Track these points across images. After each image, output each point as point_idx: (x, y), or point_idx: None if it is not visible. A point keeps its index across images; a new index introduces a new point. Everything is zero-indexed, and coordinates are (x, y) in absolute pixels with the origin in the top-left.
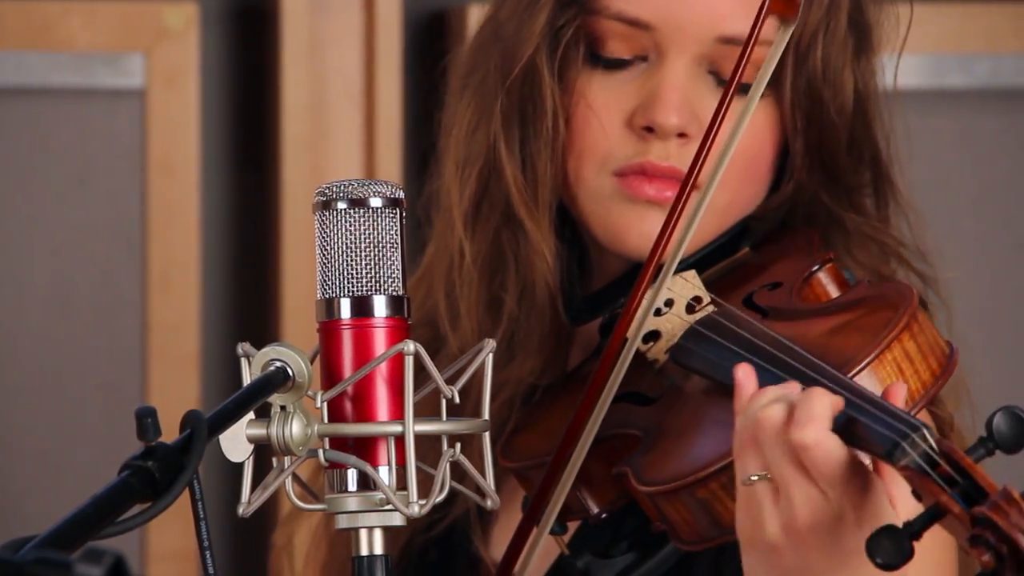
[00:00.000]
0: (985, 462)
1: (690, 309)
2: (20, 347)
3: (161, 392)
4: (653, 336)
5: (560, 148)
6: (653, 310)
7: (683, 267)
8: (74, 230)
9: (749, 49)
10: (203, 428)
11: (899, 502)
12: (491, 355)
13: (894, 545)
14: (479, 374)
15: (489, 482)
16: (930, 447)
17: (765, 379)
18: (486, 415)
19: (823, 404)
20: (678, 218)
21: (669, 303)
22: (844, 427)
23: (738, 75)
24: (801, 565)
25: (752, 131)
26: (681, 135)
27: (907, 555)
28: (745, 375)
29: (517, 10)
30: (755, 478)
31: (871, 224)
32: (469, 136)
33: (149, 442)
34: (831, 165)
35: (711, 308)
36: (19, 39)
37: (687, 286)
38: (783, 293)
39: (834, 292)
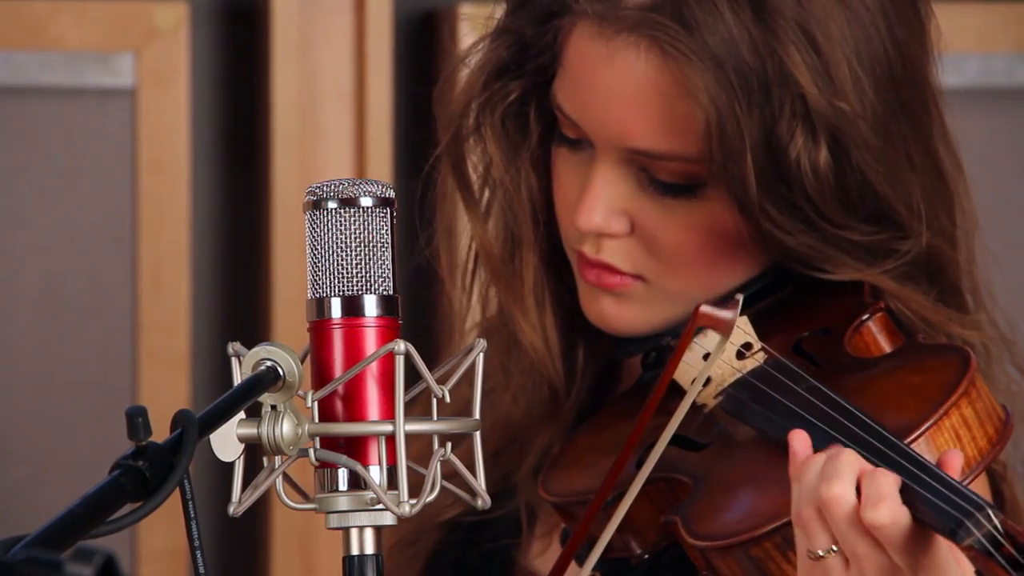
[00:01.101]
0: None
1: (740, 355)
2: (10, 346)
3: (151, 391)
4: (705, 381)
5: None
6: (703, 355)
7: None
8: (64, 229)
9: (677, 358)
10: (194, 427)
11: (966, 562)
12: (482, 354)
13: None
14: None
15: (480, 482)
16: (995, 527)
17: (820, 440)
18: (477, 415)
19: (890, 482)
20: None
21: (722, 349)
22: (908, 501)
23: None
24: None
25: (695, 228)
26: (605, 235)
27: None
28: (800, 443)
29: (484, 74)
30: (822, 552)
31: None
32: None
33: (139, 441)
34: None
35: (762, 355)
36: (9, 38)
37: (738, 332)
38: (832, 341)
39: (884, 343)
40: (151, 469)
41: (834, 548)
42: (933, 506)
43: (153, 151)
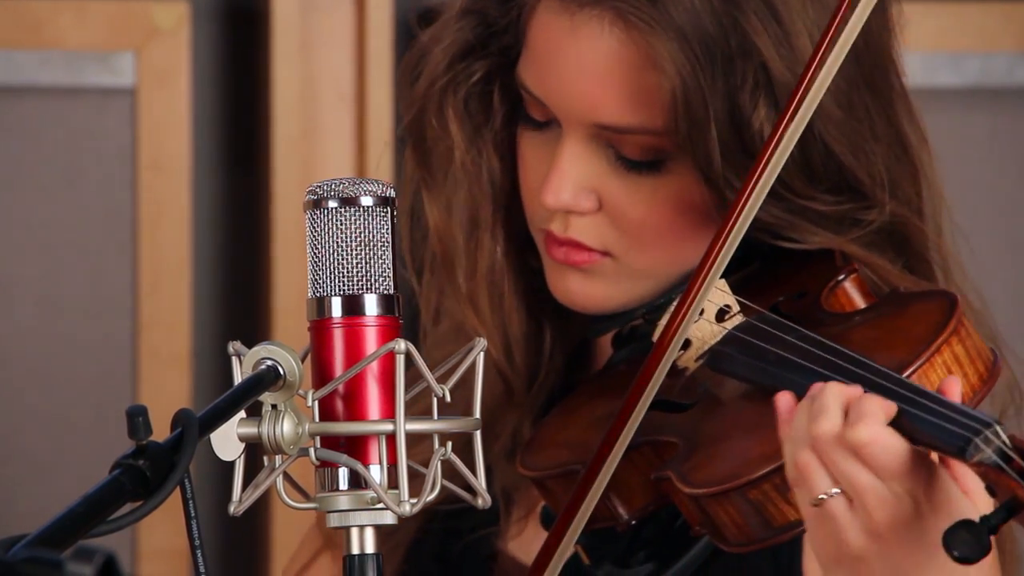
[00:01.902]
0: None
1: (720, 317)
2: (11, 346)
3: (152, 391)
4: (684, 345)
5: (500, 192)
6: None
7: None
8: (65, 229)
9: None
10: (194, 427)
11: (975, 495)
12: (482, 353)
13: (972, 538)
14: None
15: (480, 481)
16: (1003, 443)
17: (816, 382)
18: (477, 414)
19: (873, 402)
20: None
21: (700, 311)
22: (911, 427)
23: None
24: (890, 569)
25: (657, 204)
26: (573, 212)
27: (985, 549)
28: (785, 403)
29: (444, 59)
30: (824, 496)
31: (832, 222)
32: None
33: (140, 441)
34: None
35: (740, 317)
36: (9, 38)
37: (718, 294)
38: (809, 302)
39: (860, 301)
40: (151, 468)
41: (834, 491)
42: (938, 428)
43: (153, 151)
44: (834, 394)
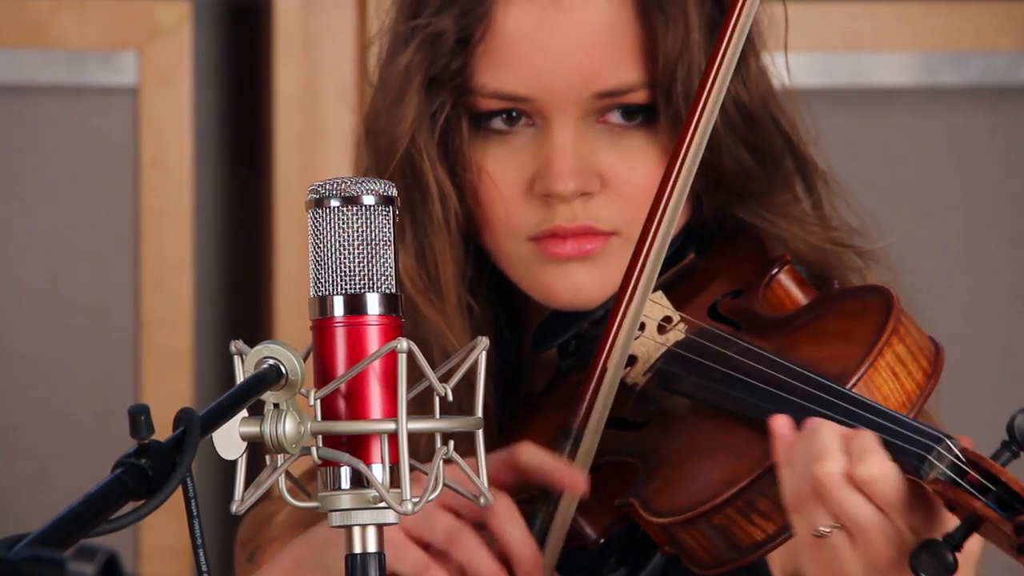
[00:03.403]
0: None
1: (661, 330)
2: (13, 345)
3: (154, 390)
4: (630, 361)
5: (457, 224)
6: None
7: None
8: (67, 228)
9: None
10: (196, 426)
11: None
12: (484, 352)
13: (935, 559)
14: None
15: (483, 481)
16: (956, 457)
17: (763, 399)
18: (479, 412)
19: (871, 436)
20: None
21: (641, 326)
22: None
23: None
24: None
25: (649, 163)
26: (584, 194)
27: (950, 568)
28: (782, 426)
29: (385, 103)
30: (827, 530)
31: (799, 224)
32: None
33: (142, 440)
34: (734, 183)
35: (682, 326)
36: (11, 36)
37: (655, 307)
38: (747, 301)
39: (797, 294)
40: (153, 467)
41: (835, 527)
42: (893, 447)
43: (155, 149)
44: (831, 435)
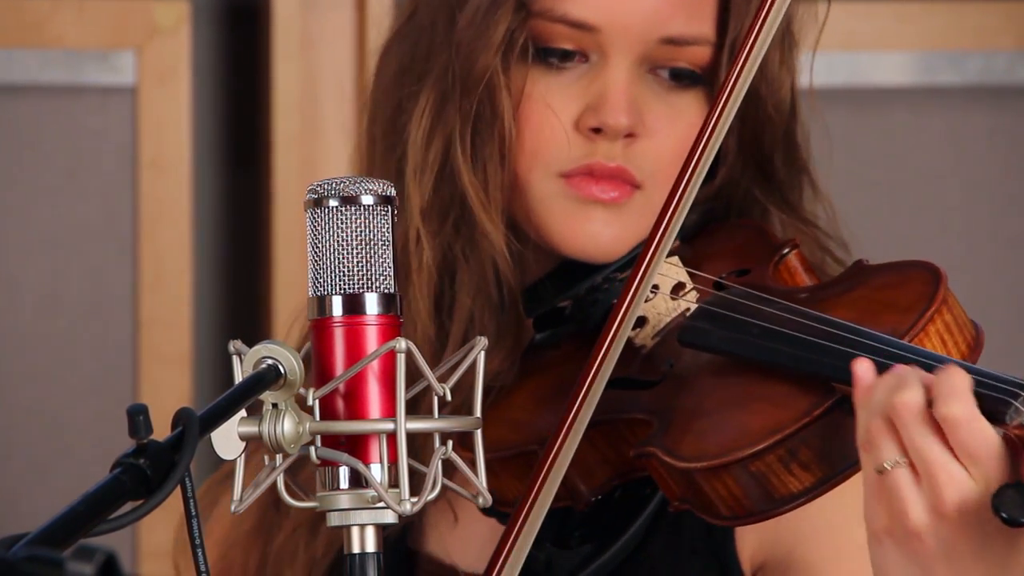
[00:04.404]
0: None
1: (675, 293)
2: (11, 345)
3: (152, 389)
4: (639, 323)
5: (509, 151)
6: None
7: (627, 262)
8: (65, 228)
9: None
10: (195, 426)
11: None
12: (483, 352)
13: (1019, 498)
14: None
15: (481, 480)
16: None
17: (814, 352)
18: (478, 412)
19: (963, 377)
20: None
21: (654, 288)
22: None
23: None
24: (944, 549)
25: (689, 126)
26: (628, 135)
27: None
28: (865, 369)
29: (475, 19)
30: (889, 465)
31: (801, 218)
32: (426, 142)
33: (141, 439)
34: (764, 162)
35: (695, 293)
36: (10, 36)
37: (670, 269)
38: (758, 277)
39: (805, 278)
40: (152, 467)
41: (900, 461)
42: (981, 387)
43: (154, 149)
44: (916, 373)
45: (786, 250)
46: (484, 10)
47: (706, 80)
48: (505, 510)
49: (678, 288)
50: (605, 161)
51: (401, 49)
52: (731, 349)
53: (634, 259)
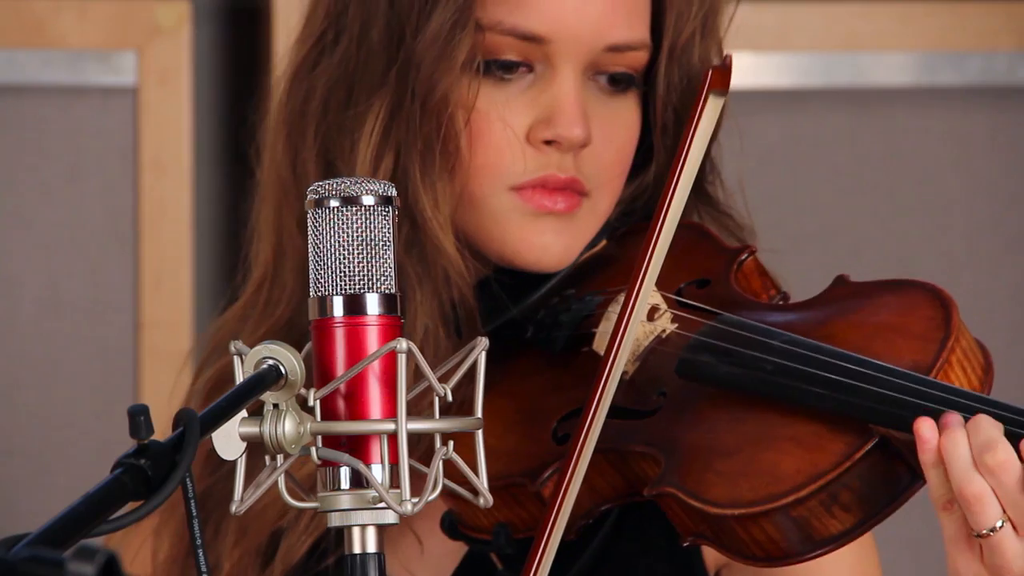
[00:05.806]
0: None
1: (650, 316)
2: (12, 345)
3: (153, 390)
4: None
5: (460, 165)
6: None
7: (570, 277)
8: (66, 228)
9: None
10: (196, 426)
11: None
12: (484, 352)
13: None
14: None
15: (482, 480)
16: None
17: (834, 389)
18: (479, 413)
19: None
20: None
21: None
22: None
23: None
24: None
25: (627, 129)
26: (581, 146)
27: None
28: (929, 430)
29: (437, 39)
30: (998, 526)
31: (718, 209)
32: (375, 161)
33: (141, 440)
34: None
35: (669, 314)
36: (11, 37)
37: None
38: (722, 290)
39: (760, 286)
40: (153, 467)
41: (1000, 522)
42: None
43: (155, 150)
44: (993, 424)
45: (744, 256)
46: (447, 31)
47: (640, 83)
48: (472, 535)
49: (652, 312)
50: (559, 173)
51: (328, 71)
52: (745, 386)
53: (579, 266)
